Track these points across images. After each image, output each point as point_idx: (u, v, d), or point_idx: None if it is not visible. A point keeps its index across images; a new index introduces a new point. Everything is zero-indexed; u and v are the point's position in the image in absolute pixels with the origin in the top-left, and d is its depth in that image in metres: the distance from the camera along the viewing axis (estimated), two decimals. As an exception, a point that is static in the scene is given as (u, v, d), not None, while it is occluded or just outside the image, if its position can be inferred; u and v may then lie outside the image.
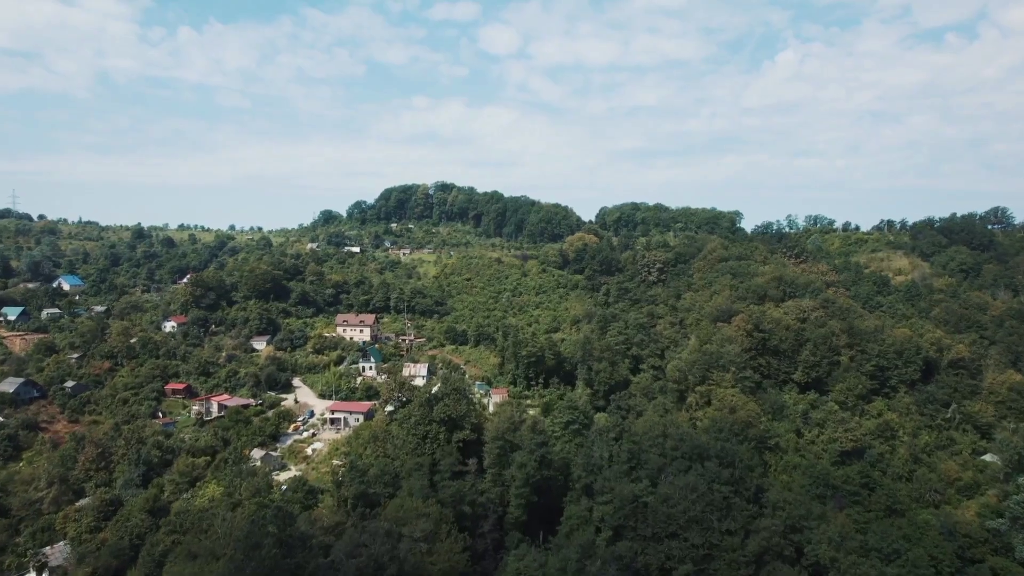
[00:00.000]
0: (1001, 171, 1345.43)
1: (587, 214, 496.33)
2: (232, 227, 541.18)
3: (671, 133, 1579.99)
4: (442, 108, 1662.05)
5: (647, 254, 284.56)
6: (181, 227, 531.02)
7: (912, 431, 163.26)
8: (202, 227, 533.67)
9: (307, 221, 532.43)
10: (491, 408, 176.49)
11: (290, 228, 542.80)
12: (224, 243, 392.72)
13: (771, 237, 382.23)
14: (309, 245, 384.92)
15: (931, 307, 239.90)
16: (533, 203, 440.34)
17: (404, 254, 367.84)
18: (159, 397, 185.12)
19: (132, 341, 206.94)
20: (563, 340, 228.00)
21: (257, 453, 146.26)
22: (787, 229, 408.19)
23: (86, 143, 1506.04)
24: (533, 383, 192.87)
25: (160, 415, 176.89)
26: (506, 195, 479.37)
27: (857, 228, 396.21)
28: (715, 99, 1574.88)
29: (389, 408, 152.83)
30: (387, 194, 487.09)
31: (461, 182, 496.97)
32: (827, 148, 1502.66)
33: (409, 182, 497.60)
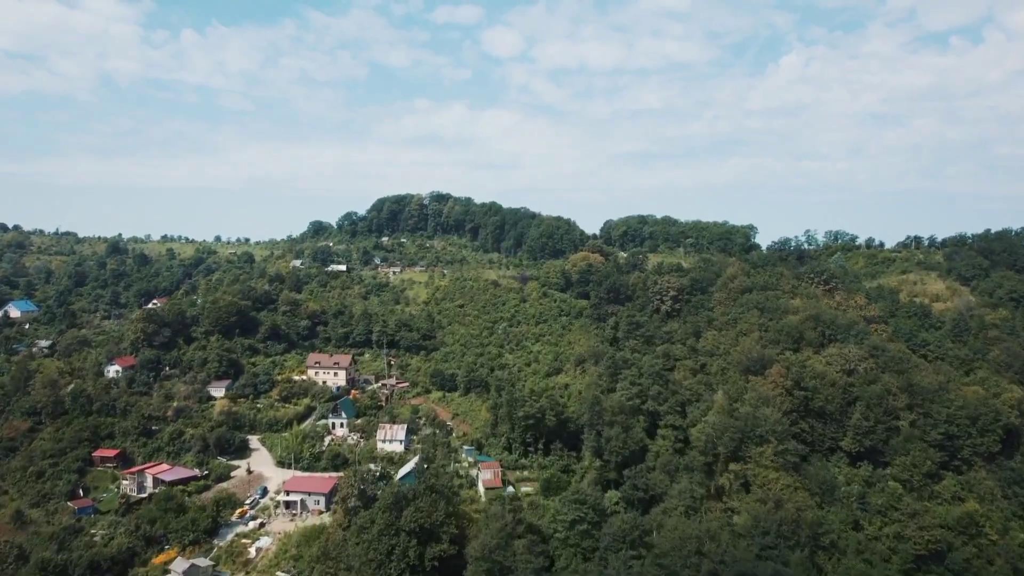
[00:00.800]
0: (1004, 173, 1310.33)
1: (590, 225, 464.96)
2: (218, 238, 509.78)
3: (673, 136, 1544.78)
4: (444, 111, 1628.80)
5: (659, 280, 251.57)
6: (164, 238, 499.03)
7: (1001, 525, 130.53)
8: (186, 238, 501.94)
9: (298, 231, 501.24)
10: (480, 485, 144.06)
11: (278, 239, 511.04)
12: (202, 260, 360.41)
13: (791, 255, 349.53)
14: (293, 262, 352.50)
15: (986, 347, 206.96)
16: (533, 216, 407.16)
17: (394, 273, 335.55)
18: (84, 467, 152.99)
19: (63, 392, 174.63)
20: (567, 387, 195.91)
21: (180, 565, 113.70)
22: (806, 245, 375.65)
23: (88, 145, 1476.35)
24: (531, 448, 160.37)
25: (80, 493, 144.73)
26: (505, 206, 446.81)
27: (882, 245, 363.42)
28: (718, 102, 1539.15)
29: (352, 501, 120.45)
30: (379, 205, 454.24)
31: (460, 187, 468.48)
32: (830, 151, 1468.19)
33: (404, 191, 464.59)
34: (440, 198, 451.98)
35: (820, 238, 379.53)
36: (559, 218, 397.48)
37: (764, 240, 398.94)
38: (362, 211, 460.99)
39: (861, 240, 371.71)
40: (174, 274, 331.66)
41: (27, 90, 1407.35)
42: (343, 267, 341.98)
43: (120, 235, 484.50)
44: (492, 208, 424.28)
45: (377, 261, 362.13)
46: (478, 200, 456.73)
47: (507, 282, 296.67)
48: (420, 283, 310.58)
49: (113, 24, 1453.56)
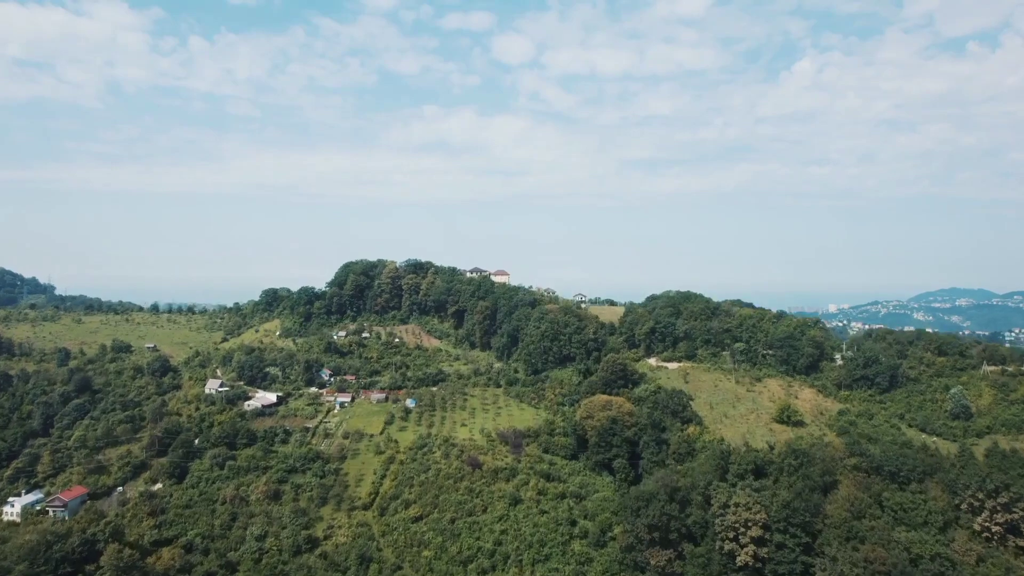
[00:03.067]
0: (1017, 179, 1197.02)
1: (608, 290, 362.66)
2: (155, 307, 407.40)
3: (683, 142, 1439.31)
4: (453, 117, 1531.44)
5: (732, 507, 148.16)
6: (88, 309, 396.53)
7: None
8: (120, 306, 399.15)
9: (255, 295, 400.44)
10: None
11: (228, 306, 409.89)
12: (87, 382, 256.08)
13: (880, 375, 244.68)
14: (209, 385, 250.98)
15: None
16: (533, 303, 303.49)
17: (340, 406, 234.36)
18: None
19: None
20: None
21: None
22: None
23: (95, 152, 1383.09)
24: None
25: None
26: (495, 276, 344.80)
27: (1004, 361, 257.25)
28: (730, 108, 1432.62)
29: None
30: (342, 277, 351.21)
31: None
32: (840, 157, 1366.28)
33: (374, 258, 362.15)
34: (417, 268, 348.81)
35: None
36: (567, 309, 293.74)
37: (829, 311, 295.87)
38: (321, 286, 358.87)
39: (965, 335, 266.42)
40: (35, 415, 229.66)
41: (35, 97, 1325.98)
42: (273, 397, 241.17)
43: (29, 307, 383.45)
44: (481, 287, 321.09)
45: (324, 376, 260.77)
46: (463, 267, 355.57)
47: (493, 458, 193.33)
48: (369, 438, 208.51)
49: (121, 32, 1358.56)
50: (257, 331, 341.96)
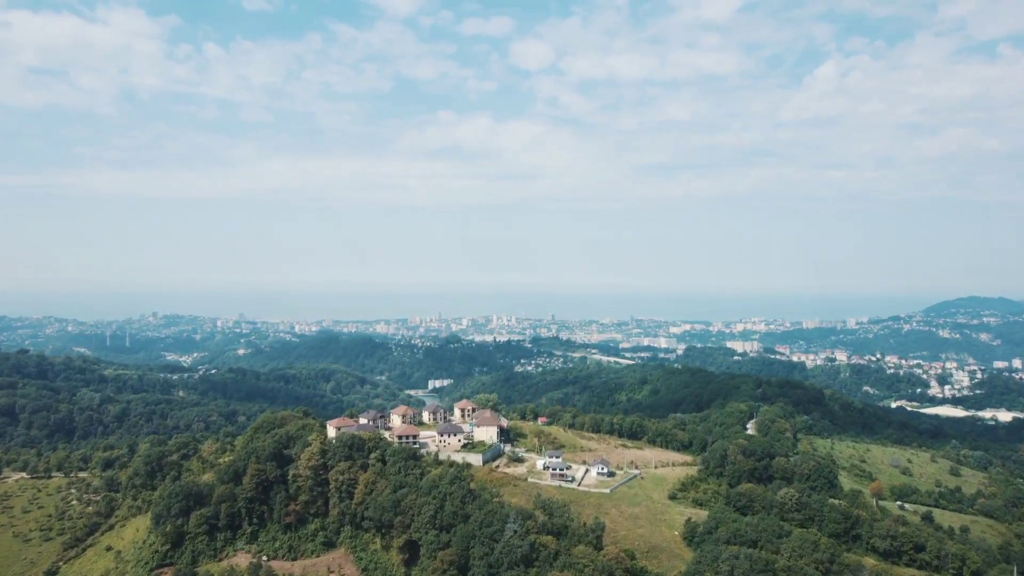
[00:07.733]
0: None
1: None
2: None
3: (700, 147, 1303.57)
4: (467, 123, 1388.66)
5: None
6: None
7: None
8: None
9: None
10: None
11: (110, 451, 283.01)
12: None
13: None
14: None
15: None
16: (530, 557, 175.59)
17: None
18: None
19: None
20: None
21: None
22: None
23: (108, 158, 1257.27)
24: None
25: None
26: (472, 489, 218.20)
27: None
28: (749, 113, 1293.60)
29: None
30: (241, 463, 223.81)
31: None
32: (859, 160, 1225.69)
33: (294, 428, 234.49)
34: (355, 447, 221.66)
35: None
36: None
37: None
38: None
39: None
40: None
41: (49, 104, 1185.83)
42: None
43: None
44: (445, 504, 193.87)
45: None
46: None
47: None
48: None
49: (137, 40, 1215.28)
50: (110, 548, 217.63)
